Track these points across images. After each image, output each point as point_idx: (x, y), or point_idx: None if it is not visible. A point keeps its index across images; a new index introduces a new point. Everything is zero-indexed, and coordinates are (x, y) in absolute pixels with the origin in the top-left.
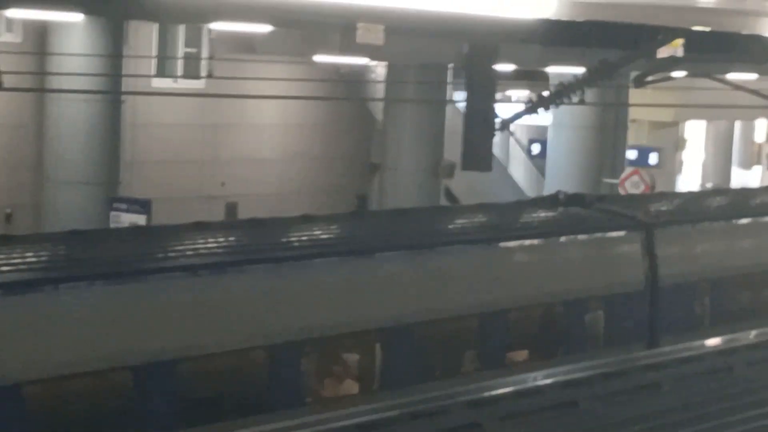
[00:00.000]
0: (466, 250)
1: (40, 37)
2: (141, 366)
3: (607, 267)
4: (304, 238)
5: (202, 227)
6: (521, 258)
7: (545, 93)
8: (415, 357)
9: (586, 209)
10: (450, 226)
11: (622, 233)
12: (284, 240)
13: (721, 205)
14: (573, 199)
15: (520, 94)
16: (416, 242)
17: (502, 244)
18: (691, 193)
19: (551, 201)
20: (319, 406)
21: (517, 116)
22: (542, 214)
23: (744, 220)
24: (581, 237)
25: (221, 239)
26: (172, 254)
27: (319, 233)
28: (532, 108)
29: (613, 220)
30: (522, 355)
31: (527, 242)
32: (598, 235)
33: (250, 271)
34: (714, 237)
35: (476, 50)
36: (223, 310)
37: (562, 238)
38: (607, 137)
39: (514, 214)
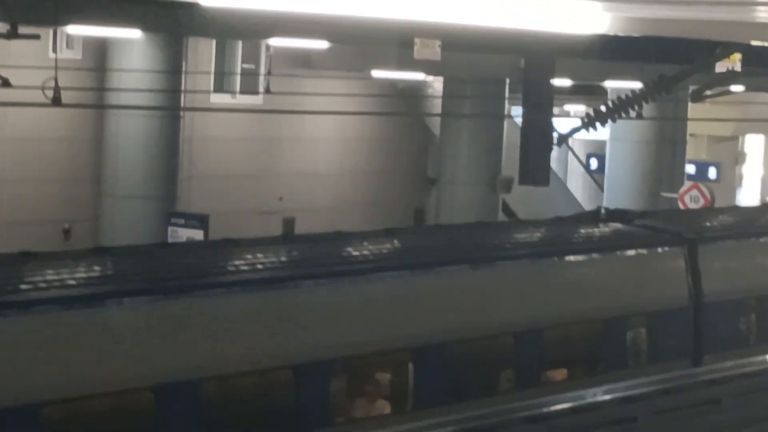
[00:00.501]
0: (505, 267)
1: (99, 53)
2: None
3: (648, 283)
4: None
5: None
6: (560, 275)
7: (602, 107)
8: (455, 375)
9: (627, 225)
10: (491, 241)
11: (664, 249)
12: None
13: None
14: (614, 215)
15: (578, 109)
16: (452, 258)
17: (542, 261)
18: (737, 208)
19: (592, 217)
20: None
21: (575, 130)
22: (582, 230)
23: None
24: (622, 253)
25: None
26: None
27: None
28: (589, 122)
29: (654, 236)
30: (561, 374)
31: (566, 259)
32: (640, 251)
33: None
34: (759, 252)
35: (533, 64)
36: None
37: (602, 255)
38: (666, 151)
39: (554, 230)
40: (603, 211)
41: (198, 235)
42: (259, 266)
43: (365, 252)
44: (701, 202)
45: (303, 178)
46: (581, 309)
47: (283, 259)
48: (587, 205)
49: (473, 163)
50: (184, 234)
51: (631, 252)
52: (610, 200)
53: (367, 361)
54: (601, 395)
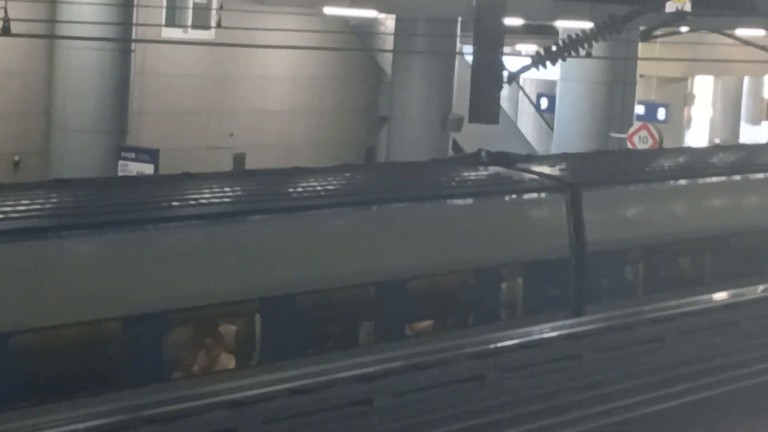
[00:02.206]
0: (366, 212)
1: None
2: None
3: (525, 231)
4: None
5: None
6: (428, 221)
7: (553, 47)
8: (311, 327)
9: (507, 169)
10: (356, 185)
11: (543, 195)
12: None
13: (660, 165)
14: (496, 158)
15: (529, 48)
16: (313, 203)
17: (408, 206)
18: (631, 152)
19: (472, 160)
20: None
21: (524, 69)
22: (457, 173)
23: (682, 182)
24: (496, 198)
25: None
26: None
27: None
28: (539, 61)
29: (534, 181)
30: (426, 325)
31: (436, 203)
32: (516, 196)
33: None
34: (649, 198)
35: (484, 3)
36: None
37: (475, 200)
38: (616, 92)
39: (427, 173)
40: (483, 154)
41: (148, 169)
42: None
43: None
44: (650, 143)
45: (254, 115)
46: (450, 258)
47: None
48: (537, 146)
49: (424, 101)
50: (134, 168)
51: (507, 197)
52: (559, 140)
53: (212, 311)
54: (547, 332)
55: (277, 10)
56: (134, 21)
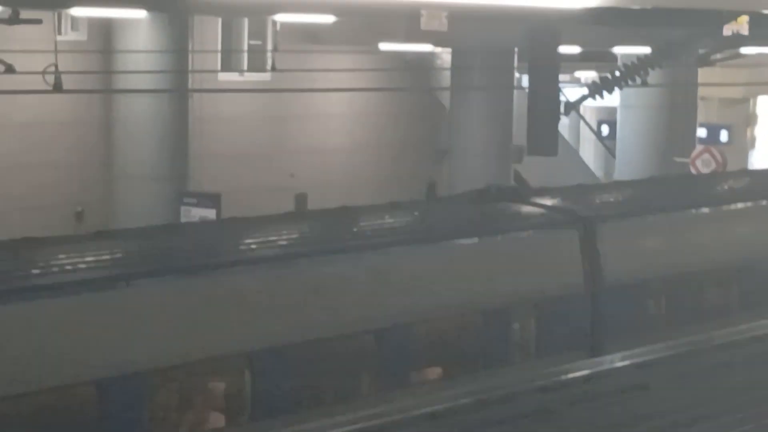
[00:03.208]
0: (365, 257)
1: (105, 35)
2: None
3: (535, 269)
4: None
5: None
6: (432, 263)
7: (609, 75)
8: (308, 380)
9: (517, 204)
10: (355, 229)
11: (555, 230)
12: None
13: (682, 193)
14: (505, 193)
15: (588, 75)
16: (301, 251)
17: (411, 248)
18: (653, 180)
19: (480, 196)
20: None
21: (582, 99)
22: (466, 210)
23: (704, 211)
24: (505, 236)
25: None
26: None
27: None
28: (595, 90)
29: (545, 216)
30: (435, 372)
31: (441, 245)
32: (526, 233)
33: None
34: (667, 230)
35: (538, 33)
36: None
37: (483, 239)
38: (677, 116)
39: (429, 212)
40: (493, 189)
41: (210, 214)
42: None
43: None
44: (713, 166)
45: (314, 154)
46: (458, 300)
47: None
48: (600, 173)
49: (484, 133)
50: (197, 213)
51: (516, 234)
52: (621, 167)
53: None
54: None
55: (332, 49)
56: (190, 67)
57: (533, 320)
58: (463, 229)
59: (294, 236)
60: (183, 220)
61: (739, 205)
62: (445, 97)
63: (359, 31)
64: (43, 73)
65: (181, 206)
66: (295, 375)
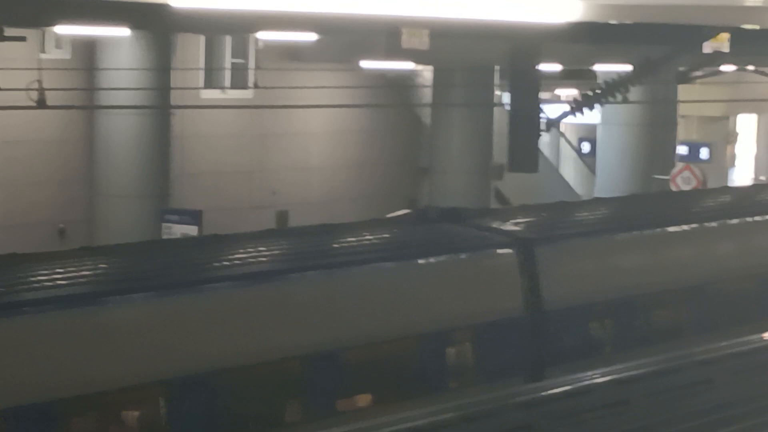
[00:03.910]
0: (293, 281)
1: (89, 53)
2: None
3: (471, 292)
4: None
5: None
6: (361, 288)
7: (589, 92)
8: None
9: (456, 225)
10: (276, 252)
11: (492, 252)
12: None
13: (625, 214)
14: (445, 214)
15: (568, 93)
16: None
17: (340, 272)
18: (598, 201)
19: (418, 217)
20: None
21: (562, 116)
22: (399, 233)
23: (647, 232)
24: (439, 258)
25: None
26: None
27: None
28: (576, 107)
29: (483, 238)
30: (364, 400)
31: (372, 268)
32: (462, 255)
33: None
34: (612, 250)
35: (518, 51)
36: None
37: (415, 261)
38: (657, 134)
39: (362, 234)
40: (432, 211)
41: (192, 231)
42: None
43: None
44: (694, 183)
45: (295, 171)
46: (390, 324)
47: None
48: (580, 190)
49: (464, 151)
50: (178, 230)
51: (452, 256)
52: (601, 184)
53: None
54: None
55: (313, 67)
56: (172, 84)
57: (469, 345)
58: (398, 251)
59: (220, 258)
60: (164, 236)
61: (690, 226)
62: (426, 115)
63: (341, 49)
64: (27, 90)
65: (162, 223)
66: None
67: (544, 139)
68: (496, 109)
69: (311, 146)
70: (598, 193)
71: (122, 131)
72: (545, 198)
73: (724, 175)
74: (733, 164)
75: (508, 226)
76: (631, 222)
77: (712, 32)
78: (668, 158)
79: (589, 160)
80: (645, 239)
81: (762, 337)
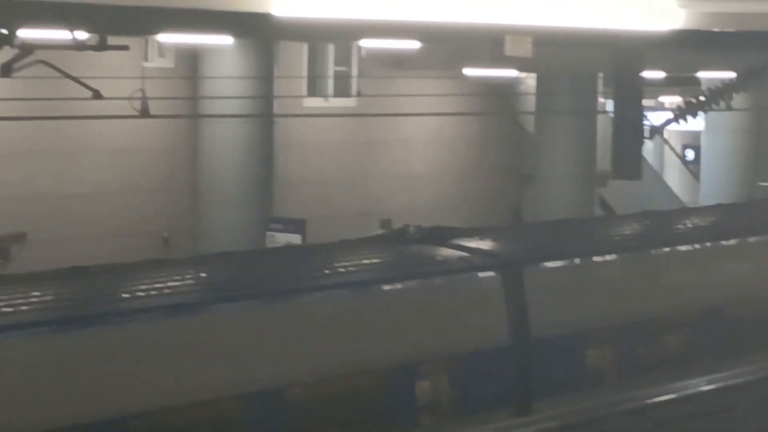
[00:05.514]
0: (245, 308)
1: (191, 61)
2: None
3: (450, 320)
4: None
5: None
6: (323, 315)
7: (693, 100)
8: None
9: (436, 246)
10: (246, 276)
11: (473, 275)
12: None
13: (621, 233)
14: (427, 234)
15: (673, 100)
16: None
17: (300, 298)
18: (592, 220)
19: (397, 237)
20: None
21: (666, 123)
22: (377, 253)
23: (644, 253)
24: (419, 282)
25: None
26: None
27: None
28: (680, 115)
29: (464, 260)
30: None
31: (335, 293)
32: (438, 280)
33: None
34: (606, 273)
35: (622, 59)
36: None
37: (384, 287)
38: (762, 140)
39: (329, 255)
40: (411, 230)
41: (296, 239)
42: None
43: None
44: None
45: (399, 179)
46: (364, 355)
47: None
48: (684, 198)
49: (568, 158)
50: (282, 239)
51: (430, 280)
52: (706, 191)
53: None
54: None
55: (416, 74)
56: (275, 92)
57: (449, 376)
58: (373, 274)
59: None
60: (268, 245)
61: (690, 246)
62: (530, 122)
63: (444, 56)
64: (130, 98)
65: (266, 231)
66: None
67: (648, 147)
68: (599, 117)
69: (414, 154)
70: (703, 200)
71: (226, 139)
72: (649, 205)
73: None
74: None
75: (493, 247)
76: (628, 241)
77: None
78: None
79: (693, 167)
80: (642, 260)
81: None
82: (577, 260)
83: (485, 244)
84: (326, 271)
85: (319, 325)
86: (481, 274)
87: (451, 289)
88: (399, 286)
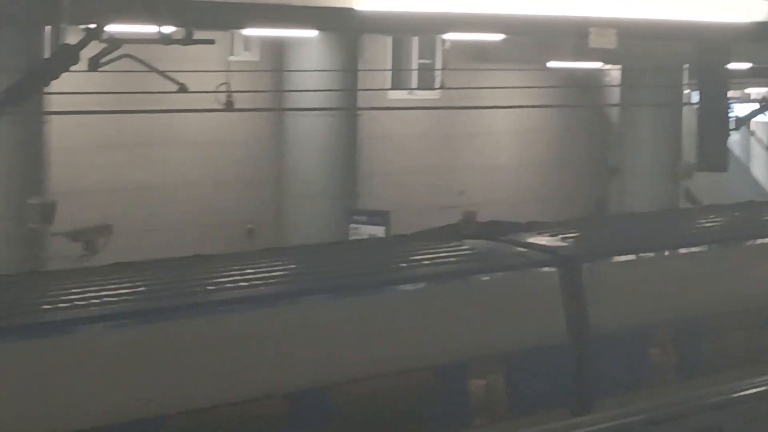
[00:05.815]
0: (293, 307)
1: (276, 54)
2: None
3: (511, 316)
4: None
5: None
6: (374, 314)
7: None
8: None
9: (491, 242)
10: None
11: (529, 272)
12: None
13: (682, 229)
14: (482, 229)
15: (759, 91)
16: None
17: (373, 294)
18: (650, 215)
19: (451, 233)
20: None
21: (753, 114)
22: (430, 250)
23: (705, 248)
24: (466, 280)
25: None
26: None
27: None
28: (766, 106)
29: (519, 256)
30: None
31: (403, 289)
32: (493, 276)
33: None
34: (668, 269)
35: (707, 51)
36: None
37: (436, 284)
38: None
39: (391, 252)
40: (465, 225)
41: (380, 231)
42: None
43: None
44: None
45: (482, 171)
46: (420, 353)
47: None
48: None
49: (653, 150)
50: (366, 231)
51: (485, 278)
52: None
53: None
54: None
55: (500, 67)
56: (359, 85)
57: (505, 375)
58: (429, 272)
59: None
60: (352, 237)
61: (756, 241)
62: (615, 114)
63: (528, 49)
64: (215, 92)
65: (350, 224)
66: None
67: (734, 138)
68: (685, 109)
69: (498, 146)
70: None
71: (310, 132)
72: (735, 198)
73: None
74: None
75: (551, 242)
76: (689, 236)
77: None
78: None
79: None
80: (703, 256)
81: None
82: (635, 256)
83: (542, 239)
84: (387, 268)
85: (376, 323)
86: (538, 270)
87: (507, 285)
88: (453, 282)
